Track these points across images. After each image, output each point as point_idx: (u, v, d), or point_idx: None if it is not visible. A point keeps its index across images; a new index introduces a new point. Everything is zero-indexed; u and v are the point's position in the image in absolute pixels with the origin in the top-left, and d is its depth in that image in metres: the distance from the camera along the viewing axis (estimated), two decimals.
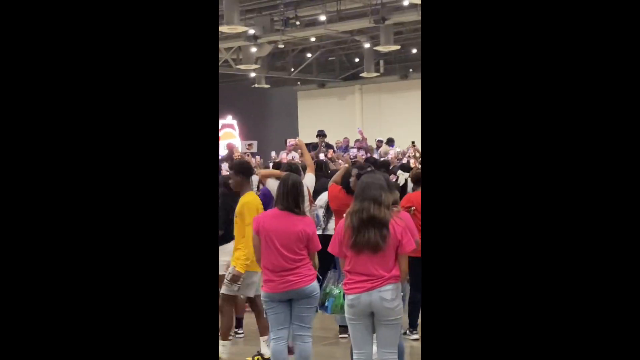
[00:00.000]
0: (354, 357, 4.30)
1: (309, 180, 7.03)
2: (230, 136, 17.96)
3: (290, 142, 8.78)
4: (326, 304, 5.00)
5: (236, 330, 6.70)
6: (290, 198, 4.80)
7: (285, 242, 4.73)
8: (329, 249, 4.56)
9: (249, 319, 6.67)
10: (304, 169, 7.13)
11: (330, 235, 4.58)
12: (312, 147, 11.60)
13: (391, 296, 4.13)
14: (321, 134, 13.12)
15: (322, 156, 10.19)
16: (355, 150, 7.65)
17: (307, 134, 15.64)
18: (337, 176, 6.75)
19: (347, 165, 6.80)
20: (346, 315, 4.27)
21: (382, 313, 4.14)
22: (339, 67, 23.70)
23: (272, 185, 7.16)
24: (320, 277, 5.20)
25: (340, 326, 6.48)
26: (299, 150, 8.62)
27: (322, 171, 8.00)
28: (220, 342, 5.56)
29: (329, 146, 12.12)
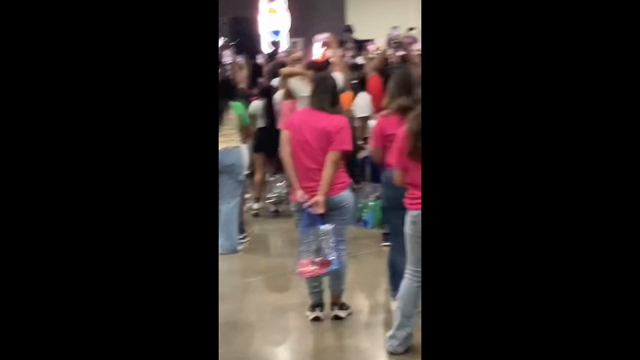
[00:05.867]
0: (409, 273, 3.98)
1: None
2: None
3: (320, 38, 8.27)
4: (364, 218, 4.69)
5: None
6: (328, 97, 4.44)
7: (316, 141, 4.38)
8: (389, 160, 4.19)
9: None
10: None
11: None
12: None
13: None
14: (348, 30, 12.18)
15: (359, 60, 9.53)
16: (395, 32, 7.10)
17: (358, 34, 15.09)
18: (375, 62, 6.26)
19: (384, 49, 6.27)
20: (408, 232, 3.91)
21: None
22: None
23: (295, 85, 6.79)
24: (355, 188, 4.88)
25: (384, 234, 6.18)
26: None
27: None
28: None
29: (359, 44, 11.32)
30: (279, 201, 7.73)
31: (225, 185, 6.27)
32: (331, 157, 4.36)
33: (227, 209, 6.33)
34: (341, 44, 12.56)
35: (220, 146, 6.14)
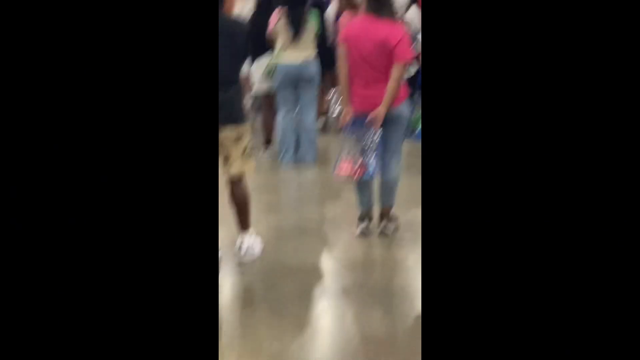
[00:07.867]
0: None
1: None
2: None
3: None
4: (419, 130, 4.66)
5: None
6: (383, 1, 4.33)
7: (376, 53, 4.30)
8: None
9: None
10: None
11: None
12: None
13: None
14: None
15: None
16: None
17: None
18: None
19: None
20: None
21: None
22: None
23: None
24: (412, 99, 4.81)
25: None
26: None
27: None
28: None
29: None
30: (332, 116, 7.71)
31: (305, 96, 6.25)
32: (396, 69, 4.29)
33: (309, 120, 6.37)
34: None
35: (300, 58, 6.06)
